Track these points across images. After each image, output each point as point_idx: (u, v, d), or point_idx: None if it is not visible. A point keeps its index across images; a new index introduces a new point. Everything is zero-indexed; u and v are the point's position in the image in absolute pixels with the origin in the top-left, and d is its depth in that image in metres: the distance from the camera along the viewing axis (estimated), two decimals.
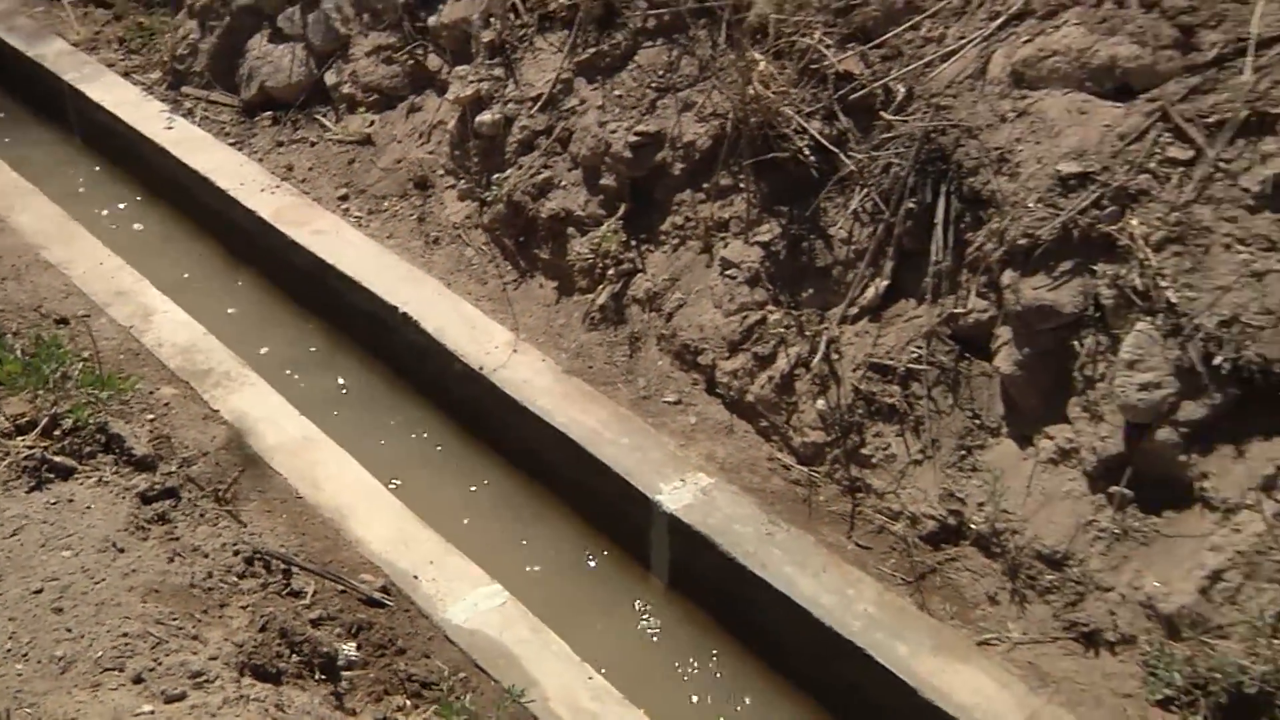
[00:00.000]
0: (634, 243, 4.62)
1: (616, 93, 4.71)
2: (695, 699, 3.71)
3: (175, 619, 2.74)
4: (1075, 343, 3.46)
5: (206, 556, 3.14)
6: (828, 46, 4.10)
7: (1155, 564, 3.22)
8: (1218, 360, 3.11)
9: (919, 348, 3.80)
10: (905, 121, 3.95)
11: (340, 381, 4.98)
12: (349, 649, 3.19)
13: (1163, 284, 3.20)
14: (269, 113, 6.15)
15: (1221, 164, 3.17)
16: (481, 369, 4.46)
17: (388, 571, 3.60)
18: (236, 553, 3.24)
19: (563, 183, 4.83)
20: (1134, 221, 3.29)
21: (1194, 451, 3.20)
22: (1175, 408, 3.20)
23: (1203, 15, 3.30)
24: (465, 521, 4.24)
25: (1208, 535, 3.15)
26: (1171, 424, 3.22)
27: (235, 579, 3.12)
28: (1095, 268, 3.37)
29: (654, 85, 4.62)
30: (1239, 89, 3.13)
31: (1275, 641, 2.89)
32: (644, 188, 4.64)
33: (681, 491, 3.90)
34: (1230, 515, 3.12)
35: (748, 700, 3.71)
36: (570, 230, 4.77)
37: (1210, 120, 3.21)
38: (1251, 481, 3.08)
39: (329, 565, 3.53)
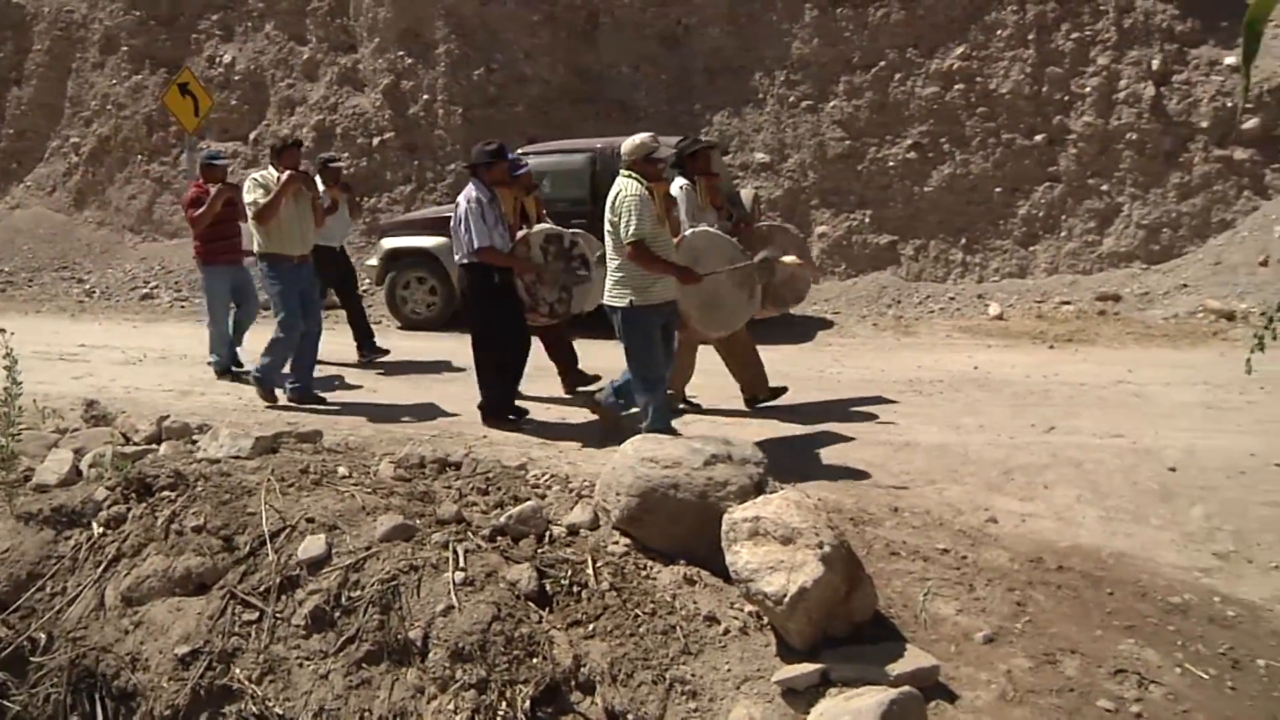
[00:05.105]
0: None
1: None
2: None
3: None
4: None
5: None
6: None
7: None
8: None
9: None
10: (53, 658, 4.71)
11: None
12: None
13: (270, 704, 4.34)
14: None
15: (278, 615, 4.50)
16: None
17: None
18: None
19: None
20: (238, 670, 4.42)
21: None
22: None
23: (234, 527, 4.74)
24: None
25: None
26: None
27: None
28: (223, 710, 4.41)
29: None
30: (268, 566, 4.55)
31: None
32: None
33: None
34: None
35: None
36: None
37: (262, 589, 4.55)
38: None
39: None
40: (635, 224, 5.80)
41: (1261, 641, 4.19)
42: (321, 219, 8.13)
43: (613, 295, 6.08)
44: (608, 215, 6.00)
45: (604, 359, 7.71)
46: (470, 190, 6.91)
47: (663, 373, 6.21)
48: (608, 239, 6.07)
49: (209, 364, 8.83)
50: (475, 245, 6.79)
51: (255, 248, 7.79)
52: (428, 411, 7.48)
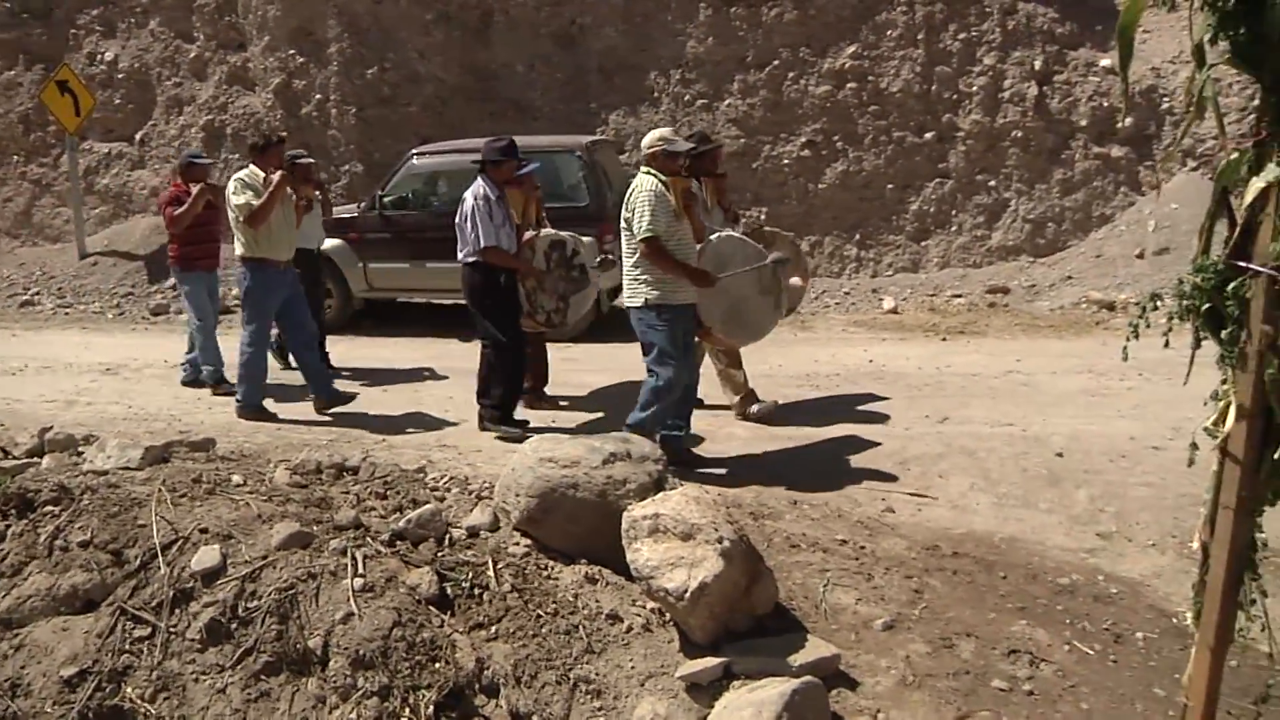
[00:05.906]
0: None
1: None
2: None
3: None
4: None
5: None
6: None
7: None
8: None
9: None
10: None
11: None
12: None
13: None
14: None
15: (172, 630, 4.36)
16: None
17: None
18: None
19: None
20: (129, 690, 4.28)
21: None
22: None
23: (123, 540, 4.58)
24: None
25: None
26: None
27: None
28: None
29: None
30: (160, 579, 4.41)
31: None
32: None
33: None
34: None
35: None
36: None
37: (154, 604, 4.41)
38: None
39: None
40: (649, 220, 5.64)
41: (1140, 615, 4.39)
42: (300, 220, 7.78)
43: (630, 294, 5.89)
44: (624, 213, 5.86)
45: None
46: (478, 187, 6.64)
47: (680, 376, 5.89)
48: (623, 237, 5.92)
49: (204, 378, 8.25)
50: (481, 244, 6.55)
51: (238, 252, 7.33)
52: (325, 416, 7.34)
